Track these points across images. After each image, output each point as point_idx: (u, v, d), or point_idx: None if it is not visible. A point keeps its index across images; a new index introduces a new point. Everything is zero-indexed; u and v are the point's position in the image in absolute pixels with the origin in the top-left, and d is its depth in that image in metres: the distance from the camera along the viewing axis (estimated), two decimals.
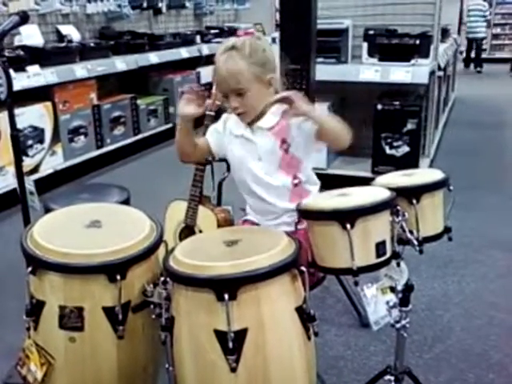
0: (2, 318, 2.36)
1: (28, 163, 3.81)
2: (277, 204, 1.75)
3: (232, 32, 7.02)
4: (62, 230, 1.52)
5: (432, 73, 3.87)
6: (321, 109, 1.54)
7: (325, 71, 3.41)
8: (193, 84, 1.64)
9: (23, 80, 3.69)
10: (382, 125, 3.78)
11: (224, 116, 1.83)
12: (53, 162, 4.12)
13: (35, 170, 3.95)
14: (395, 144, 3.78)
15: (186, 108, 1.68)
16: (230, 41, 1.69)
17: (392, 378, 1.72)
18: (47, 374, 1.41)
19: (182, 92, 1.76)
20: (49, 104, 4.05)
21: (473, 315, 2.42)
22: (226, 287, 1.26)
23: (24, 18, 2.03)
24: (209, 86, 1.99)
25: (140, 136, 5.13)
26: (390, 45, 3.74)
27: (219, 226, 2.04)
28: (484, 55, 12.09)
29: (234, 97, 1.66)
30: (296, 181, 1.74)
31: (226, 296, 1.25)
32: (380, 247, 1.47)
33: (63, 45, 4.51)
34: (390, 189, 1.55)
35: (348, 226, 1.41)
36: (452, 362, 2.11)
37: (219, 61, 1.66)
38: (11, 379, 1.93)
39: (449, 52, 5.38)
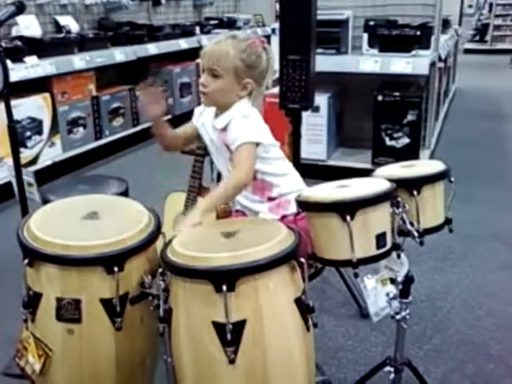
0: (0, 309, 2.35)
1: (26, 154, 3.80)
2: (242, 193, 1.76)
3: (232, 23, 6.98)
4: (59, 222, 1.51)
5: (432, 64, 3.85)
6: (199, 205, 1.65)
7: (325, 62, 3.39)
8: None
9: (21, 71, 3.66)
10: (382, 116, 3.76)
11: None
12: (51, 153, 4.11)
13: (34, 161, 3.94)
14: (395, 135, 3.76)
15: (151, 110, 1.70)
16: (237, 33, 1.71)
17: (392, 369, 1.72)
18: (45, 366, 1.41)
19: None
20: (47, 95, 4.03)
21: (472, 307, 2.42)
22: (225, 279, 1.25)
23: (20, 7, 2.01)
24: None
25: (139, 127, 5.10)
26: (391, 36, 3.71)
27: (218, 217, 2.03)
28: (485, 46, 12.06)
29: (207, 75, 1.65)
30: None
31: (225, 287, 1.24)
32: (380, 239, 1.47)
33: (61, 36, 4.48)
34: (391, 180, 1.54)
35: (348, 217, 1.40)
36: (451, 353, 2.11)
37: (214, 39, 1.68)
38: (10, 370, 1.93)
39: (450, 43, 5.36)
